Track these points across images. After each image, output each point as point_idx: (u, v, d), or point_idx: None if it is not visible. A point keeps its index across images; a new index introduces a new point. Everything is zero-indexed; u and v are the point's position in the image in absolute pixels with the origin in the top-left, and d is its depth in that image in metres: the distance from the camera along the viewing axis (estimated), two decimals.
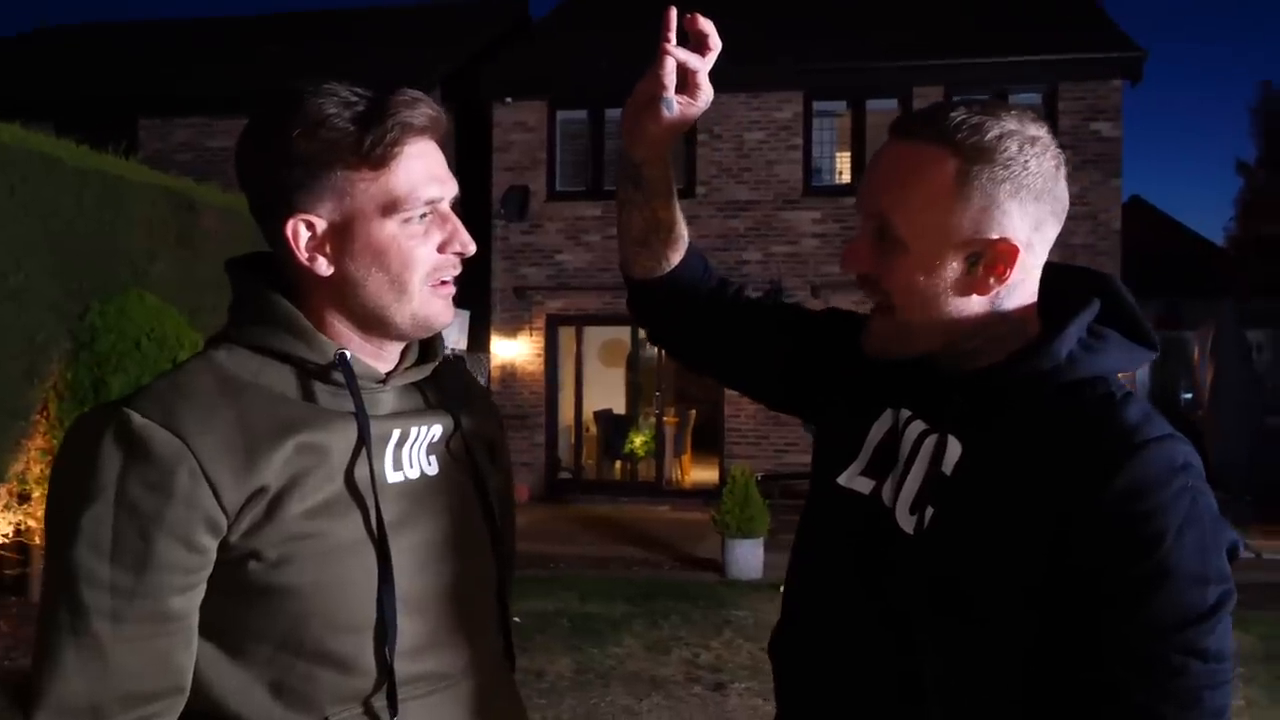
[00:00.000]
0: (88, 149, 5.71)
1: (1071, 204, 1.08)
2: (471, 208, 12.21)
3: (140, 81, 12.23)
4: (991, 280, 1.02)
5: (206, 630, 0.97)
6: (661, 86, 1.11)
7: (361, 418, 1.01)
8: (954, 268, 1.02)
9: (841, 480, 1.14)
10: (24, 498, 5.27)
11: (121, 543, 0.91)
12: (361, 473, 1.00)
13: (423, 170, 1.01)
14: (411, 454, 1.06)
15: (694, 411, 12.50)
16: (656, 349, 11.25)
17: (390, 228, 1.00)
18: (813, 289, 10.42)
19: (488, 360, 11.17)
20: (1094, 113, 10.35)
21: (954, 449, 1.04)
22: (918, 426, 1.09)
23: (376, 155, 0.98)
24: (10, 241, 4.80)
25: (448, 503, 1.08)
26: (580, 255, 11.28)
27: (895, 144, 1.05)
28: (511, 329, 11.41)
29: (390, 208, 1.00)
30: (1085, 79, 10.32)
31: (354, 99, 0.99)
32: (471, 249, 1.05)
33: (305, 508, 0.97)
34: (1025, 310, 1.06)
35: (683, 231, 1.27)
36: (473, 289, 11.80)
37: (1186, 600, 0.94)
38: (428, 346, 1.12)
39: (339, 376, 1.01)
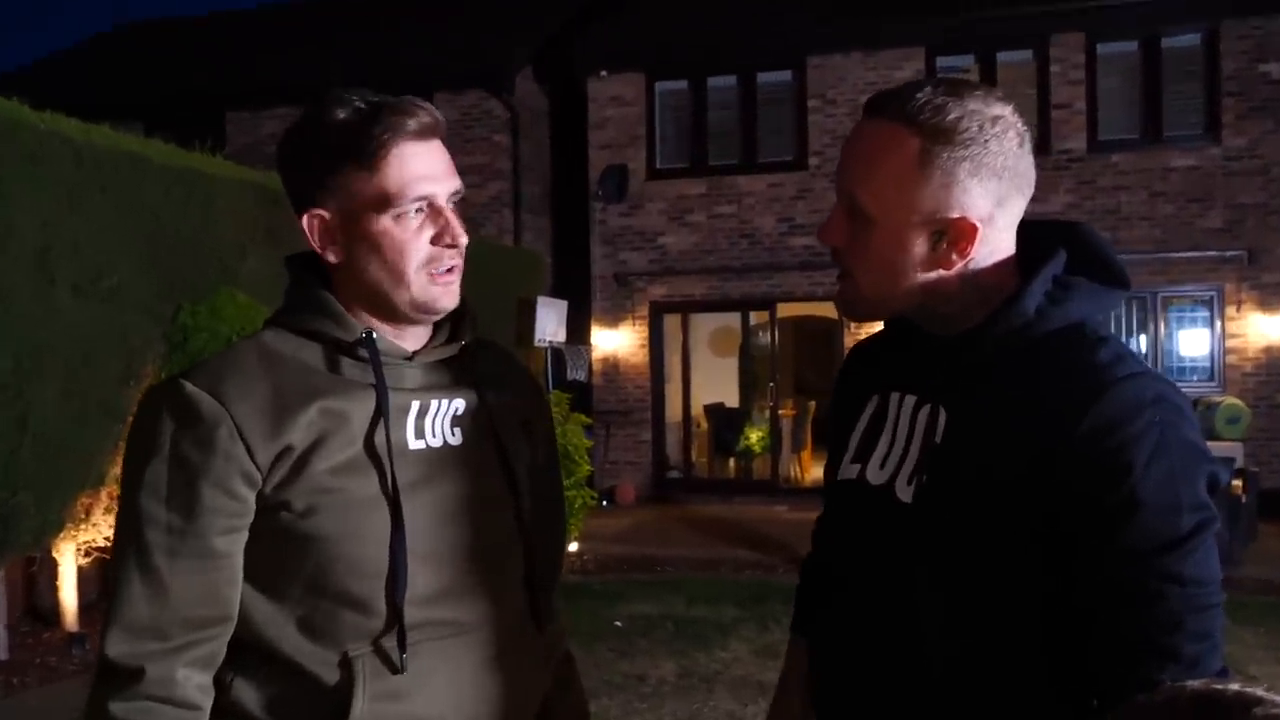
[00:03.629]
0: (175, 147, 6.15)
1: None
2: (568, 190, 12.52)
3: (224, 75, 12.95)
4: (954, 256, 1.16)
5: (249, 572, 1.20)
6: None
7: (380, 389, 1.23)
8: (920, 244, 1.16)
9: (839, 474, 1.31)
10: None
11: (175, 489, 1.15)
12: (379, 438, 1.22)
13: (415, 170, 1.22)
14: (434, 424, 1.28)
15: (813, 403, 12.52)
16: (770, 335, 11.34)
17: (384, 222, 1.22)
18: None
19: (588, 352, 11.36)
20: (1262, 53, 9.92)
21: (943, 416, 1.18)
22: (910, 401, 1.23)
23: (368, 157, 1.20)
24: (103, 243, 5.20)
25: (467, 469, 1.29)
26: (684, 237, 11.43)
27: (865, 122, 1.19)
28: (613, 318, 11.65)
29: (383, 204, 1.21)
30: (1249, 15, 9.90)
31: (351, 108, 1.21)
32: (463, 240, 1.26)
33: (328, 466, 1.19)
34: (998, 272, 1.19)
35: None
36: (571, 277, 12.08)
37: (1159, 527, 1.05)
38: (458, 329, 1.33)
39: (364, 353, 1.23)
